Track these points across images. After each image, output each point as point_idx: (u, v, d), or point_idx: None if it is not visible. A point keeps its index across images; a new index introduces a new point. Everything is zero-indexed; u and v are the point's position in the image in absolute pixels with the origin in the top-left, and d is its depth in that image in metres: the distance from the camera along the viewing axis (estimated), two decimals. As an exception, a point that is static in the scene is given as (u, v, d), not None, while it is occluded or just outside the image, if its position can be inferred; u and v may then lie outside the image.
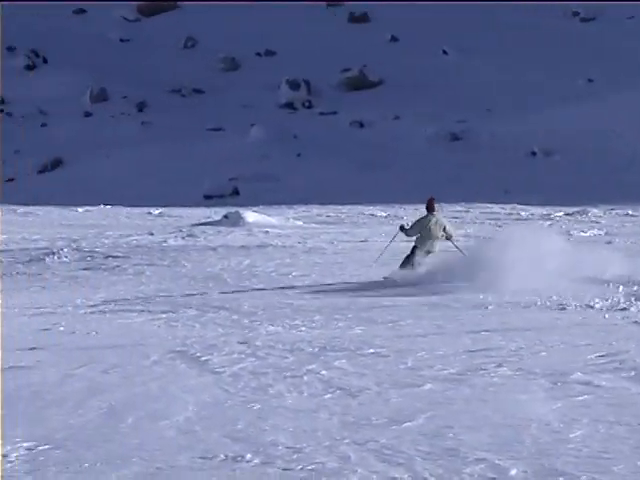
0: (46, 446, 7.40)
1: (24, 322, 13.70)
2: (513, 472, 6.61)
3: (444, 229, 16.92)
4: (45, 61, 59.75)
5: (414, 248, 16.81)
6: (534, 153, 47.86)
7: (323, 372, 9.68)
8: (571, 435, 7.37)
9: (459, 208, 34.84)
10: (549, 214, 33.71)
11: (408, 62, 59.43)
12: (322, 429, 7.70)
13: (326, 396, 8.77)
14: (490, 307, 13.85)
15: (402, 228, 17.08)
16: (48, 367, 10.27)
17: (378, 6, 65.05)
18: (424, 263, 16.64)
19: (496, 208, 36.28)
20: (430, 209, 16.89)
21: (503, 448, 7.08)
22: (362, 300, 14.98)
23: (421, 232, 16.71)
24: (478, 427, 7.62)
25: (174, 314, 14.02)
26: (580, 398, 8.42)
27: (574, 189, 40.55)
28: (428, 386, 8.99)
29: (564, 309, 13.58)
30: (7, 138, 50.79)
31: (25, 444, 7.46)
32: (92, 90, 54.68)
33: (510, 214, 34.39)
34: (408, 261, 16.65)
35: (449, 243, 17.22)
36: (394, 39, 63.45)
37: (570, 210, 34.68)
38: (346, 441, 7.36)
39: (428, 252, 16.76)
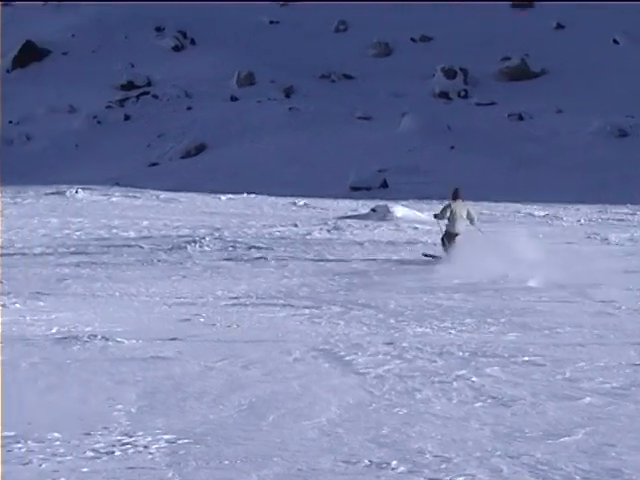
0: (186, 440, 7.58)
1: (165, 311, 14.08)
2: (681, 498, 6.44)
3: (467, 213, 20.16)
4: (193, 42, 60.96)
5: (445, 232, 20.11)
6: None
7: (474, 379, 9.62)
8: None
9: (625, 210, 33.90)
10: None
11: (574, 51, 58.24)
12: (472, 439, 7.65)
13: (477, 404, 8.71)
14: (657, 318, 13.48)
15: (435, 216, 20.78)
16: (188, 359, 10.53)
17: (544, -10, 63.99)
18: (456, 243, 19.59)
19: (666, 211, 35.19)
20: (454, 198, 20.22)
21: (670, 472, 6.90)
22: (516, 304, 14.81)
23: (449, 217, 19.94)
24: (642, 447, 7.44)
25: (317, 310, 14.15)
26: None
27: None
28: (588, 399, 8.83)
29: None
30: (152, 121, 52.09)
31: (165, 436, 7.66)
32: (239, 74, 55.46)
33: (681, 218, 33.31)
34: (444, 245, 20.09)
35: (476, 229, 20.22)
36: (560, 26, 62.26)
37: None
38: (498, 453, 7.30)
39: (456, 234, 19.79)
